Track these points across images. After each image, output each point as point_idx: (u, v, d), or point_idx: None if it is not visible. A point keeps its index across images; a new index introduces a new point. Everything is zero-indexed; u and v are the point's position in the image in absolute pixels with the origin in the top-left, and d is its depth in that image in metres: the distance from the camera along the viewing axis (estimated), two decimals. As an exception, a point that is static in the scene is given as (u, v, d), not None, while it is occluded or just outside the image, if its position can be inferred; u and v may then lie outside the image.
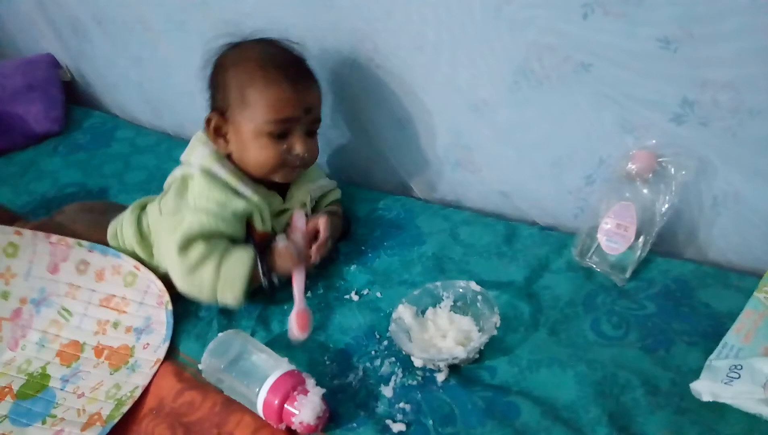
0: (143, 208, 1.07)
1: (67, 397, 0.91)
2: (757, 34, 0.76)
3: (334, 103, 1.26)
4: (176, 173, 1.01)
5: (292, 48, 1.02)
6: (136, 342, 0.95)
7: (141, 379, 0.89)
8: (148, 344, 0.93)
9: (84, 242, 1.01)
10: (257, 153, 0.97)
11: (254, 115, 0.95)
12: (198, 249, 0.92)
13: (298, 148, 0.97)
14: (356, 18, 1.10)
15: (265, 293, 0.96)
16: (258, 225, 1.00)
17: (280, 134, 0.96)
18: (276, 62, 0.97)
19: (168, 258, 0.94)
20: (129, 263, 0.99)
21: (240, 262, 0.93)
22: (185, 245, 0.92)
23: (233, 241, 0.97)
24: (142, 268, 0.98)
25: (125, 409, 0.85)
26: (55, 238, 1.01)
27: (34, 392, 0.92)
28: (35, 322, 1.00)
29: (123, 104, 1.79)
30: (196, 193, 0.95)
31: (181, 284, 0.94)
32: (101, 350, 0.96)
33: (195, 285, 0.93)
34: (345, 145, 1.32)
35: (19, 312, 1.01)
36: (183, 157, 1.02)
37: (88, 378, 0.93)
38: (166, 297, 0.95)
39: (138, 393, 0.86)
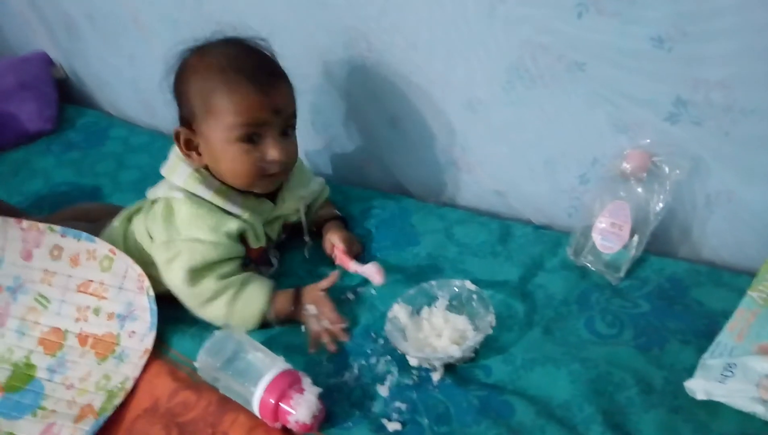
0: (130, 219, 1.05)
1: (56, 389, 0.91)
2: (749, 33, 0.76)
3: (328, 102, 1.26)
4: (159, 192, 0.98)
5: (258, 46, 0.96)
6: (120, 329, 0.93)
7: (131, 370, 0.88)
8: (134, 332, 0.92)
9: (56, 227, 0.98)
10: (230, 164, 0.92)
11: (220, 123, 0.89)
12: (208, 284, 0.91)
13: (272, 153, 0.91)
14: (350, 16, 1.10)
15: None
16: (252, 242, 0.98)
17: (250, 140, 0.91)
18: (238, 65, 0.90)
19: (175, 290, 0.93)
20: (104, 247, 0.96)
21: (254, 301, 0.92)
22: (192, 279, 0.91)
23: (236, 260, 0.96)
24: (118, 252, 0.95)
25: (118, 401, 0.85)
26: (26, 223, 1.00)
27: (22, 384, 0.92)
28: (12, 309, 0.99)
29: (116, 103, 1.78)
30: (184, 220, 0.93)
31: (194, 312, 0.94)
32: (85, 338, 0.95)
33: (207, 316, 0.93)
34: (339, 144, 1.32)
35: None
36: (164, 172, 0.99)
37: (75, 368, 0.92)
38: (147, 282, 0.93)
39: (129, 385, 0.86)
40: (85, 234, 0.98)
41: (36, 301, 0.99)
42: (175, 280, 0.92)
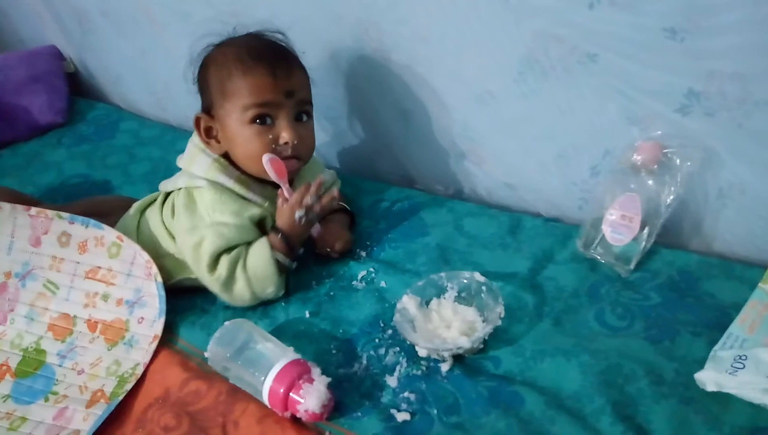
0: (143, 211, 1.06)
1: (67, 374, 0.92)
2: (763, 25, 0.76)
3: (338, 95, 1.26)
4: (179, 183, 0.99)
5: (275, 38, 1.00)
6: (129, 316, 0.94)
7: (140, 356, 0.89)
8: (143, 318, 0.93)
9: (64, 214, 0.99)
10: (245, 146, 0.94)
11: (235, 105, 0.93)
12: (223, 264, 0.92)
13: (285, 134, 0.94)
14: (360, 9, 1.10)
15: (290, 268, 0.98)
16: (269, 230, 0.99)
17: (263, 121, 0.94)
18: (253, 52, 0.95)
19: (203, 279, 0.95)
20: (112, 234, 0.97)
21: (259, 254, 0.93)
22: (213, 264, 0.92)
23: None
24: (125, 238, 0.96)
25: (129, 386, 0.86)
26: (34, 210, 1.00)
27: (33, 369, 0.93)
28: (22, 295, 1.00)
29: (127, 96, 1.79)
30: (208, 206, 0.95)
31: (225, 299, 0.95)
32: (95, 324, 0.96)
33: (236, 297, 0.94)
34: (350, 136, 1.33)
35: (5, 286, 1.01)
36: (183, 165, 1.01)
37: (85, 354, 0.93)
38: (155, 268, 0.93)
39: (140, 371, 0.87)
40: (93, 221, 0.98)
41: (45, 287, 1.00)
42: (201, 271, 0.93)
